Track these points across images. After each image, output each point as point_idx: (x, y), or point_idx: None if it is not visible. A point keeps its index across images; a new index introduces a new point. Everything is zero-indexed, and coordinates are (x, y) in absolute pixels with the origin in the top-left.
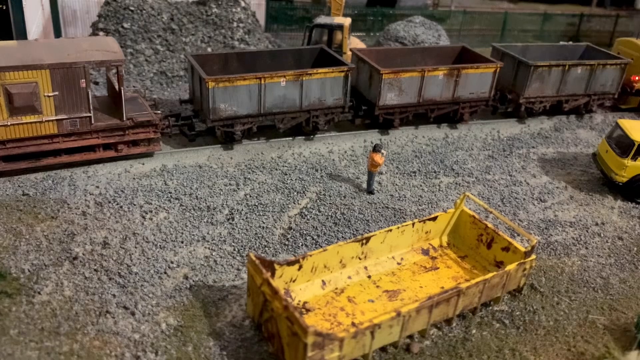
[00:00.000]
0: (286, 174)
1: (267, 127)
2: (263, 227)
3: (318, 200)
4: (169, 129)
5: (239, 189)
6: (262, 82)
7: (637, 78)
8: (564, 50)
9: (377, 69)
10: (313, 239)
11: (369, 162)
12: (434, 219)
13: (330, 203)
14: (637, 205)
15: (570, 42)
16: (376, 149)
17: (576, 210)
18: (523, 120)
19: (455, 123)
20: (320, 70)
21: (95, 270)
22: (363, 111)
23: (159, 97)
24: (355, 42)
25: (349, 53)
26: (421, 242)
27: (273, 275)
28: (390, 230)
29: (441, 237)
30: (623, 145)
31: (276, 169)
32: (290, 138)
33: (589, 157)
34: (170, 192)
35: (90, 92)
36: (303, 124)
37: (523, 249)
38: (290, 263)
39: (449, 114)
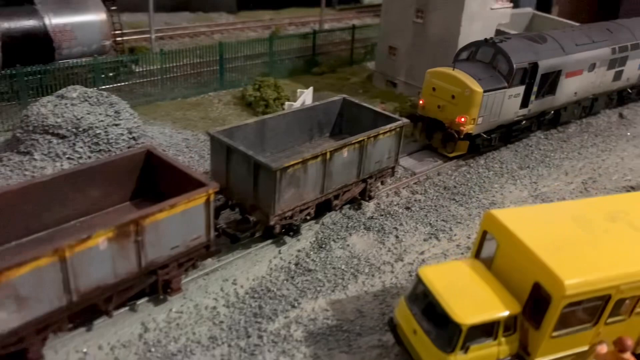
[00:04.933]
0: None
1: None
2: None
3: None
4: None
5: None
6: None
7: (464, 119)
8: (316, 113)
9: None
10: None
11: None
12: None
13: None
14: None
15: (299, 102)
16: None
17: None
18: (280, 240)
19: (161, 294)
20: None
21: None
22: None
23: None
24: None
25: None
26: None
27: None
28: None
29: None
30: (438, 327)
31: None
32: None
33: (378, 313)
34: None
35: None
36: None
37: None
38: None
39: (144, 290)
